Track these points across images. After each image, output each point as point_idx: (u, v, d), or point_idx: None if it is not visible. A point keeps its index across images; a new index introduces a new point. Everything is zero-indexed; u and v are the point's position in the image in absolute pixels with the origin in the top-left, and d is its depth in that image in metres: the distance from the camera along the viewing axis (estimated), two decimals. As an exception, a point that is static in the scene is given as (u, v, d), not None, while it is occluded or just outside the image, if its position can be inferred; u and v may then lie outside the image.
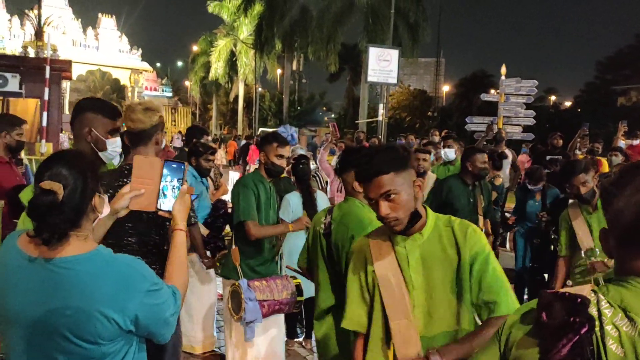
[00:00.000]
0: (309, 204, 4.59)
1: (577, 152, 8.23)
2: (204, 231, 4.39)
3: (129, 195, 1.93)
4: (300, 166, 4.83)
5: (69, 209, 1.53)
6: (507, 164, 7.88)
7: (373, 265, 2.02)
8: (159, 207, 1.96)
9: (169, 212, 1.95)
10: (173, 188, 1.97)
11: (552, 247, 5.39)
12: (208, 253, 4.34)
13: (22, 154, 5.29)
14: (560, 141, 8.36)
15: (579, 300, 1.02)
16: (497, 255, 5.14)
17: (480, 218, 4.78)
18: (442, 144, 6.64)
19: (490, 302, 1.91)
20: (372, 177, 1.92)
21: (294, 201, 4.61)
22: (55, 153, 1.68)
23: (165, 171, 1.97)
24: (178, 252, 1.85)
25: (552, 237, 5.20)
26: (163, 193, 1.96)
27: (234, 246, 3.65)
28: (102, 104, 2.59)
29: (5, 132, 4.13)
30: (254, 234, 3.51)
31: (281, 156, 3.67)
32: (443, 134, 8.96)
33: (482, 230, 4.72)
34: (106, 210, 1.75)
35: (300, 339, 4.98)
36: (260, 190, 3.60)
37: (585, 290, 1.08)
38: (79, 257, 1.54)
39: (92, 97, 3.05)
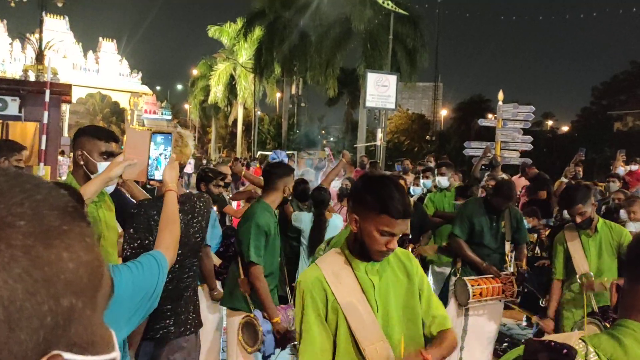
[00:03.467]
0: (317, 229, 4.89)
1: (564, 179, 8.21)
2: (216, 261, 4.19)
3: (123, 164, 1.99)
4: (321, 192, 5.06)
5: None
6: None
7: (334, 294, 1.94)
8: (152, 177, 2.03)
9: (160, 180, 2.03)
10: (165, 157, 2.04)
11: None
12: (219, 284, 4.13)
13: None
14: (534, 169, 8.71)
15: (565, 351, 1.00)
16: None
17: (507, 244, 4.74)
18: (436, 171, 6.62)
19: (439, 317, 2.09)
20: (408, 216, 1.91)
21: (305, 221, 4.98)
22: None
23: (159, 140, 2.03)
24: (169, 210, 1.96)
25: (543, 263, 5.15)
26: (156, 166, 2.03)
27: (242, 276, 3.52)
28: (98, 128, 2.73)
29: (4, 157, 4.13)
30: (258, 279, 3.42)
31: None
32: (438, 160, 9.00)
33: (508, 257, 4.72)
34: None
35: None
36: (271, 227, 3.56)
37: (573, 339, 1.05)
38: None
39: (91, 124, 3.19)
